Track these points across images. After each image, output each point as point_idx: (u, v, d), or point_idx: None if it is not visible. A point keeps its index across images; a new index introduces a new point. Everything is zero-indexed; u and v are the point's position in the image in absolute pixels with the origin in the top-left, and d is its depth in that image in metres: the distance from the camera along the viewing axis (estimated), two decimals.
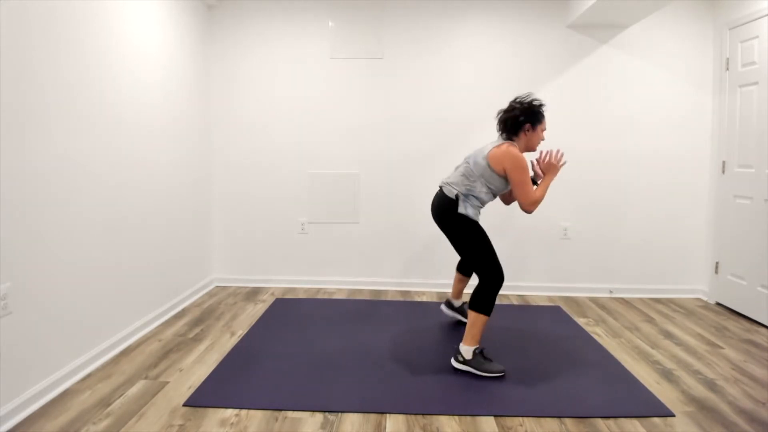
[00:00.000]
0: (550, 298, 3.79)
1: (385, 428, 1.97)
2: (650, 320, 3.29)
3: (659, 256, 3.84)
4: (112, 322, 2.63)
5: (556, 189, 3.85)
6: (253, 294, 3.77)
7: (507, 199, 2.83)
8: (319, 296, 3.72)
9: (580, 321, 3.26)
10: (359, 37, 3.80)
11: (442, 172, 3.86)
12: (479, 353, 2.45)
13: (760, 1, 3.21)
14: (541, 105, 2.50)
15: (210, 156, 3.91)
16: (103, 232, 2.53)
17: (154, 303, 3.06)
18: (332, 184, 3.92)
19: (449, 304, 3.13)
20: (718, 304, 3.64)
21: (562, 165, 2.56)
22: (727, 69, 3.56)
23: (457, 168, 2.61)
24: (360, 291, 3.86)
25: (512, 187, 2.43)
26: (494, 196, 2.56)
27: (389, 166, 3.90)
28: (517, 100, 2.52)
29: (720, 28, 3.61)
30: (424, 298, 3.70)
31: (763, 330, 3.12)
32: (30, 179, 2.04)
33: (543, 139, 2.55)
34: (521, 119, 2.46)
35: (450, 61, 3.81)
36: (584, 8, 3.34)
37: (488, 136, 3.82)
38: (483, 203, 2.53)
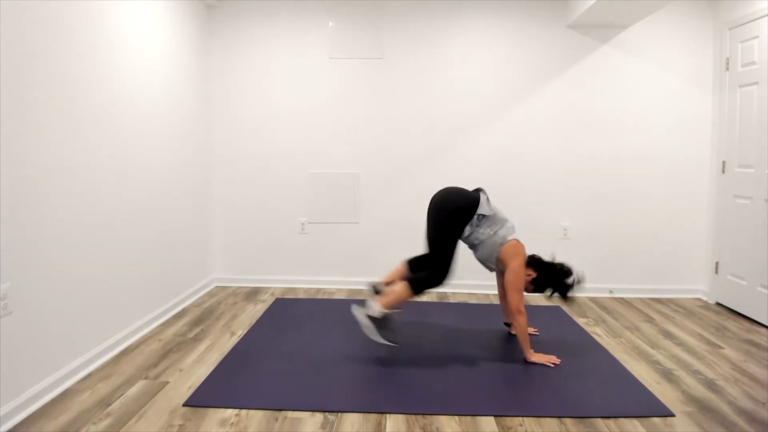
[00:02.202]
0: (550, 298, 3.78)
1: (385, 428, 1.97)
2: (650, 320, 3.29)
3: (659, 256, 3.84)
4: (112, 322, 2.63)
5: (557, 189, 3.85)
6: (253, 294, 3.77)
7: (500, 289, 2.92)
8: (319, 296, 3.72)
9: (580, 321, 3.26)
10: (359, 37, 3.80)
11: (442, 171, 3.87)
12: (388, 317, 2.51)
13: (760, 1, 3.21)
14: (548, 282, 2.62)
15: (210, 156, 3.91)
16: (103, 233, 2.53)
17: (154, 303, 3.06)
18: (332, 184, 3.92)
19: (376, 289, 2.88)
20: (718, 304, 3.64)
21: (543, 363, 2.57)
22: (727, 69, 3.56)
23: (498, 208, 2.70)
24: (360, 291, 3.86)
25: (507, 286, 2.55)
26: (474, 247, 2.67)
27: (389, 165, 3.90)
28: (561, 269, 2.62)
29: (720, 28, 3.61)
30: (425, 298, 3.70)
31: (763, 330, 3.12)
32: (30, 180, 2.04)
33: (526, 291, 2.65)
34: (536, 267, 2.61)
35: (450, 61, 3.81)
36: (584, 8, 3.34)
37: (488, 136, 3.83)
38: (476, 236, 2.62)
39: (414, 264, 2.86)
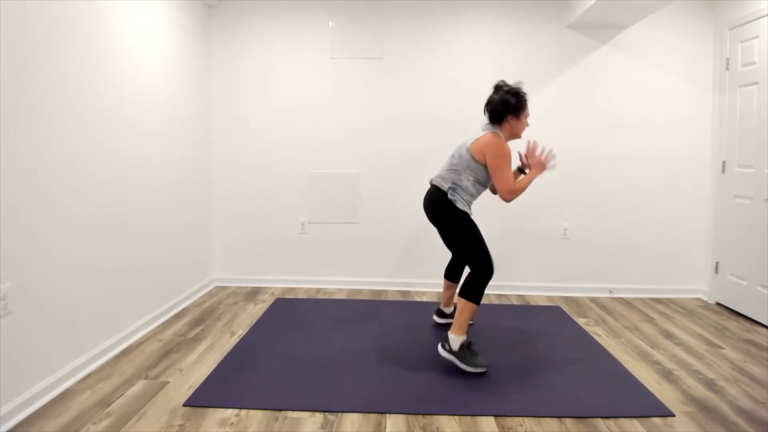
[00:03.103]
0: (550, 298, 3.79)
1: (385, 428, 1.97)
2: (650, 320, 3.29)
3: (659, 256, 3.84)
4: (112, 322, 2.63)
5: (556, 189, 3.85)
6: (253, 294, 3.77)
7: (493, 188, 2.79)
8: (319, 296, 3.72)
9: (580, 321, 3.26)
10: (359, 37, 3.80)
11: None
12: (467, 345, 2.46)
13: (760, 1, 3.21)
14: (520, 92, 2.48)
15: (210, 155, 3.91)
16: (103, 232, 2.53)
17: (154, 303, 3.06)
18: (332, 184, 3.92)
19: (440, 313, 3.14)
20: (718, 304, 3.64)
21: (551, 166, 2.57)
22: (727, 69, 3.56)
23: (444, 164, 2.64)
24: (360, 291, 3.86)
25: (492, 175, 2.46)
26: (483, 187, 2.58)
27: (389, 165, 3.90)
28: (500, 88, 2.52)
29: (720, 28, 3.61)
30: (424, 298, 3.70)
31: (763, 330, 3.12)
32: (30, 180, 2.04)
33: (527, 125, 2.57)
34: (502, 109, 2.48)
35: (449, 60, 3.81)
36: (584, 8, 3.34)
37: None
38: (472, 195, 2.56)
39: (451, 272, 2.96)
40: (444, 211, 2.52)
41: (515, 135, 2.57)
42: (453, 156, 2.58)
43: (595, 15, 3.44)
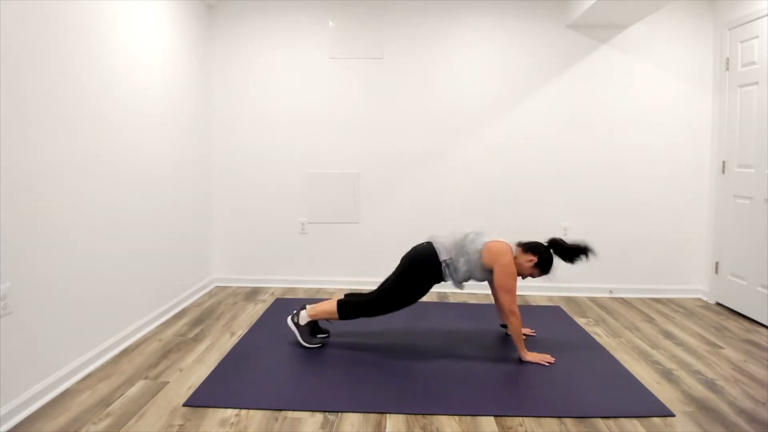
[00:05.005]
0: (550, 298, 3.79)
1: (385, 428, 1.97)
2: (650, 320, 3.29)
3: (659, 256, 3.84)
4: (112, 322, 2.63)
5: (556, 189, 3.85)
6: (253, 294, 3.77)
7: (494, 293, 2.86)
8: (319, 296, 3.71)
9: (580, 321, 3.26)
10: (359, 37, 3.80)
11: (442, 171, 3.87)
12: (312, 325, 2.71)
13: (760, 1, 3.21)
14: (551, 261, 2.59)
15: (210, 155, 3.91)
16: (103, 232, 2.53)
17: (154, 303, 3.06)
18: (332, 184, 3.92)
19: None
20: (718, 304, 3.64)
21: (538, 362, 2.56)
22: (727, 69, 3.56)
23: (453, 235, 2.66)
24: (360, 291, 3.86)
25: (497, 287, 2.52)
26: (467, 279, 2.63)
27: (389, 165, 3.90)
28: (563, 242, 2.60)
29: (720, 28, 3.61)
30: (424, 298, 3.70)
31: (763, 330, 3.12)
32: (30, 180, 2.04)
33: (530, 276, 2.64)
34: (535, 250, 2.58)
35: (449, 61, 3.81)
36: (584, 8, 3.34)
37: (488, 136, 3.83)
38: (456, 279, 2.60)
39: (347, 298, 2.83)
40: (425, 266, 2.57)
41: (521, 268, 2.59)
42: (466, 237, 2.61)
43: (595, 15, 3.44)
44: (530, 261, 2.58)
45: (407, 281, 2.58)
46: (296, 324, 2.71)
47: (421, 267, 2.58)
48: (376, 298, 2.60)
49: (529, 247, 2.60)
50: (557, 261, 2.62)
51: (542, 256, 2.58)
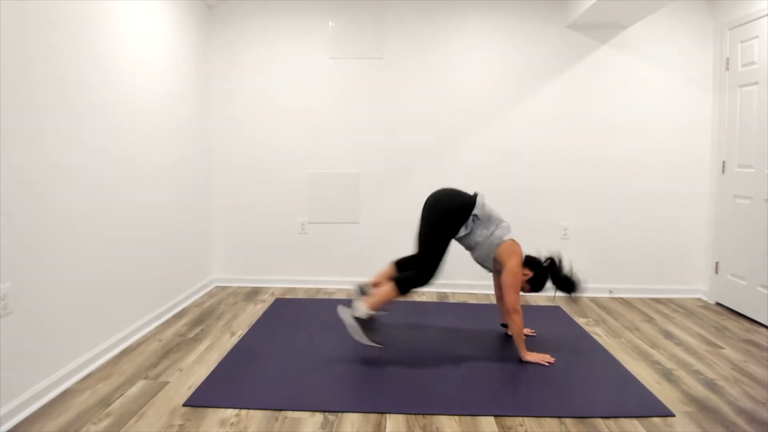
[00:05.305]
0: (550, 298, 3.78)
1: (385, 428, 1.97)
2: (650, 320, 3.29)
3: (659, 256, 3.84)
4: (112, 322, 2.63)
5: (556, 188, 3.85)
6: (253, 294, 3.77)
7: (497, 290, 2.96)
8: (319, 296, 3.71)
9: (580, 321, 3.26)
10: (359, 37, 3.80)
11: (442, 171, 3.87)
12: (371, 319, 2.51)
13: (760, 1, 3.21)
14: (545, 279, 2.64)
15: (210, 156, 3.91)
16: (103, 233, 2.53)
17: (154, 303, 3.06)
18: (332, 184, 3.92)
19: (363, 290, 2.82)
20: (718, 304, 3.64)
21: (538, 362, 2.57)
22: (727, 69, 3.56)
23: (493, 209, 2.71)
24: None
25: (504, 285, 2.57)
26: (472, 248, 2.66)
27: (389, 165, 3.90)
28: (561, 269, 2.62)
29: (720, 28, 3.61)
30: (424, 298, 3.70)
31: (763, 330, 3.12)
32: (30, 180, 2.04)
33: (523, 287, 2.65)
34: (532, 266, 2.63)
35: (449, 61, 3.81)
36: (584, 8, 3.34)
37: (488, 135, 3.83)
38: (468, 237, 2.62)
39: (402, 265, 2.83)
40: (454, 208, 2.57)
41: (516, 277, 2.59)
42: (501, 222, 2.66)
43: (595, 15, 3.44)
44: (526, 275, 2.63)
45: (444, 229, 2.57)
46: (357, 319, 2.49)
47: (457, 209, 2.57)
48: (423, 259, 2.56)
49: (528, 261, 2.65)
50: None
51: (538, 274, 2.63)
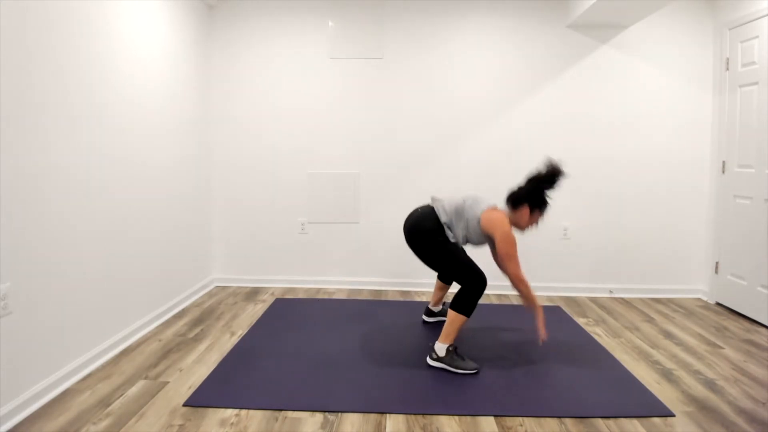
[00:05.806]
0: (550, 298, 3.79)
1: (385, 428, 1.97)
2: (650, 320, 3.29)
3: (659, 256, 3.84)
4: (112, 322, 2.63)
5: (557, 189, 3.84)
6: (253, 294, 3.77)
7: (496, 260, 2.83)
8: (319, 296, 3.72)
9: (580, 321, 3.26)
10: (359, 37, 3.80)
11: (442, 170, 3.87)
12: (452, 350, 2.47)
13: (760, 1, 3.21)
14: (546, 194, 2.53)
15: (210, 156, 3.91)
16: (103, 233, 2.53)
17: (154, 303, 3.06)
18: (332, 184, 3.92)
19: (429, 312, 3.14)
20: (718, 304, 3.64)
21: (539, 329, 2.54)
22: (727, 69, 3.56)
23: (452, 200, 2.61)
24: (360, 291, 3.86)
25: (500, 257, 2.48)
26: (465, 242, 2.62)
27: (389, 165, 3.90)
28: (538, 174, 2.53)
29: (720, 28, 3.61)
30: (424, 298, 3.70)
31: (763, 330, 3.12)
32: (30, 180, 2.04)
33: (534, 226, 2.60)
34: (523, 200, 2.53)
35: (449, 60, 3.81)
36: (584, 8, 3.34)
37: (488, 135, 3.83)
38: (456, 239, 2.58)
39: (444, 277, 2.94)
40: (425, 235, 2.53)
41: (518, 225, 2.58)
42: (465, 201, 2.57)
43: (595, 15, 3.44)
44: (525, 212, 2.54)
45: (437, 254, 2.52)
46: (439, 359, 2.48)
47: (429, 235, 2.53)
48: (454, 276, 2.50)
49: (516, 201, 2.55)
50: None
51: (532, 199, 2.52)
